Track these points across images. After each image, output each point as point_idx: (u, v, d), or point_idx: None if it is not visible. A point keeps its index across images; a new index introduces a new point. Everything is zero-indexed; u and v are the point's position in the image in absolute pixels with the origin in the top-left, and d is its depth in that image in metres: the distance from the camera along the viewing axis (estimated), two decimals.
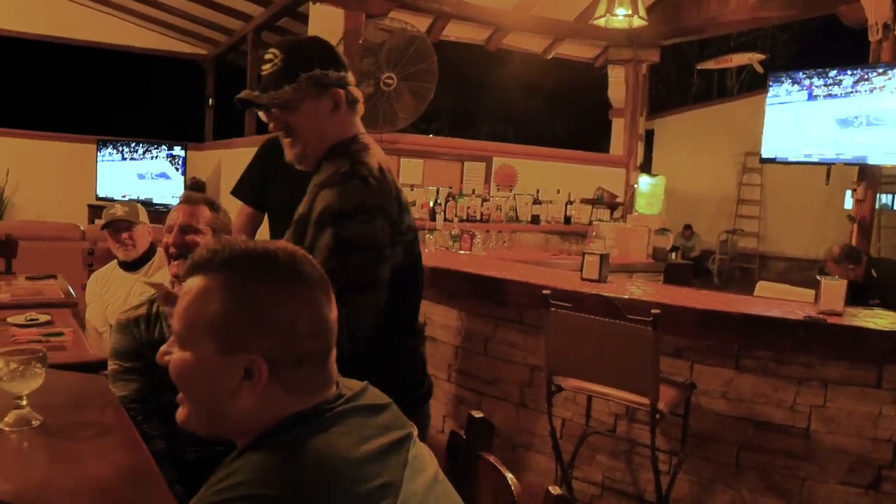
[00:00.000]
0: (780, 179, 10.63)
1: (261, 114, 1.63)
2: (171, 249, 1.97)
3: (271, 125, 1.62)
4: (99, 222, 2.97)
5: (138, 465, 1.43)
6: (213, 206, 2.09)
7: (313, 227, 1.49)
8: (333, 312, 0.92)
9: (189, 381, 0.89)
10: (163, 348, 0.91)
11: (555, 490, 1.00)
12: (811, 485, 2.54)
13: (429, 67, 4.91)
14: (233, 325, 0.85)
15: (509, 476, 1.11)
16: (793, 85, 5.22)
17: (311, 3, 5.54)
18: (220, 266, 0.87)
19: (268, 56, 1.56)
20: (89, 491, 1.31)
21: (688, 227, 11.17)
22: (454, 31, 6.63)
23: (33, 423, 1.57)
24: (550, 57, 7.37)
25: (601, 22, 5.13)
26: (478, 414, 1.23)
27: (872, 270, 4.42)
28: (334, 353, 0.92)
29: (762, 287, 4.49)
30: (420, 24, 6.12)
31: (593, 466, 2.99)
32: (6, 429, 1.55)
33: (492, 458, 1.19)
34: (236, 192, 2.87)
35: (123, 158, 8.42)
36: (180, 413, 0.92)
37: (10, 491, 1.31)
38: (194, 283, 0.88)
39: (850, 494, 2.49)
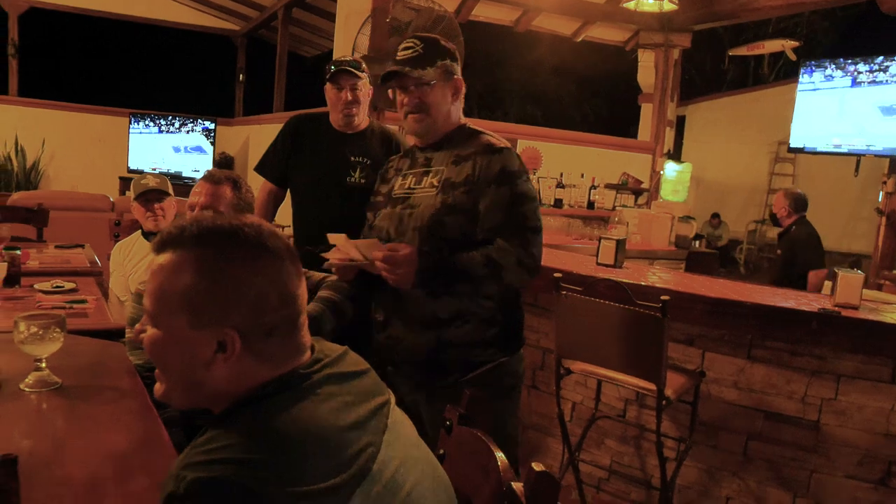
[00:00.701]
0: (812, 170, 10.41)
1: (393, 93, 1.86)
2: None
3: (404, 100, 1.83)
4: (129, 194, 3.03)
5: (149, 429, 1.48)
6: (237, 184, 2.12)
7: (489, 186, 1.75)
8: (302, 284, 0.95)
9: (164, 357, 0.92)
10: (137, 326, 0.95)
11: (538, 466, 1.02)
12: (819, 478, 2.54)
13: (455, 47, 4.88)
14: (204, 299, 0.87)
15: (497, 454, 1.12)
16: (823, 73, 5.11)
17: None
18: (189, 242, 0.89)
19: (408, 44, 1.82)
20: (101, 452, 1.37)
21: (715, 215, 11.02)
22: (483, 12, 6.59)
23: (52, 385, 1.64)
24: (580, 40, 7.28)
25: (631, 5, 5.07)
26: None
27: (794, 227, 4.76)
28: (305, 320, 0.95)
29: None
30: (449, 4, 6.09)
31: (602, 450, 3.01)
32: (26, 389, 1.62)
33: (483, 435, 1.21)
34: (260, 169, 2.91)
35: (161, 131, 8.55)
36: (158, 388, 0.95)
37: (28, 448, 1.38)
38: (164, 259, 0.90)
39: (858, 489, 2.48)
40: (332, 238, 1.83)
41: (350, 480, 0.82)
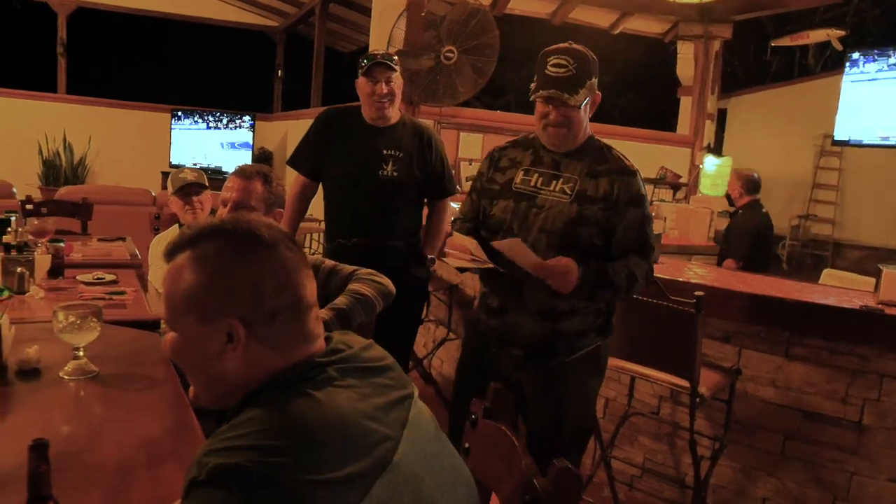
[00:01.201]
0: (860, 164, 10.08)
1: (539, 104, 1.92)
2: None
3: (551, 115, 1.90)
4: (168, 188, 3.09)
5: (181, 419, 1.51)
6: (267, 178, 2.13)
7: (628, 208, 1.89)
8: (303, 271, 0.96)
9: (184, 357, 0.97)
10: (163, 336, 0.98)
11: (560, 462, 1.01)
12: (860, 480, 2.46)
13: (490, 41, 4.87)
14: (204, 295, 0.92)
15: (521, 449, 1.12)
16: (870, 63, 4.95)
17: None
18: (185, 246, 0.95)
19: (561, 60, 1.86)
20: (134, 439, 1.41)
21: None
22: (518, 5, 6.55)
23: (89, 373, 1.69)
24: (617, 32, 7.19)
25: None
26: (498, 385, 1.22)
27: (742, 211, 4.78)
28: (313, 308, 0.96)
29: (828, 275, 4.33)
30: None
31: (635, 447, 2.98)
32: (65, 377, 1.67)
33: (508, 429, 1.21)
34: (292, 162, 2.94)
35: (202, 128, 8.71)
36: (191, 392, 1.00)
37: (65, 434, 1.43)
38: (168, 267, 0.96)
39: None
40: (462, 240, 1.94)
41: (370, 470, 0.83)
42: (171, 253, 0.96)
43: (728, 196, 5.27)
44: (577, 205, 1.88)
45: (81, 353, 1.70)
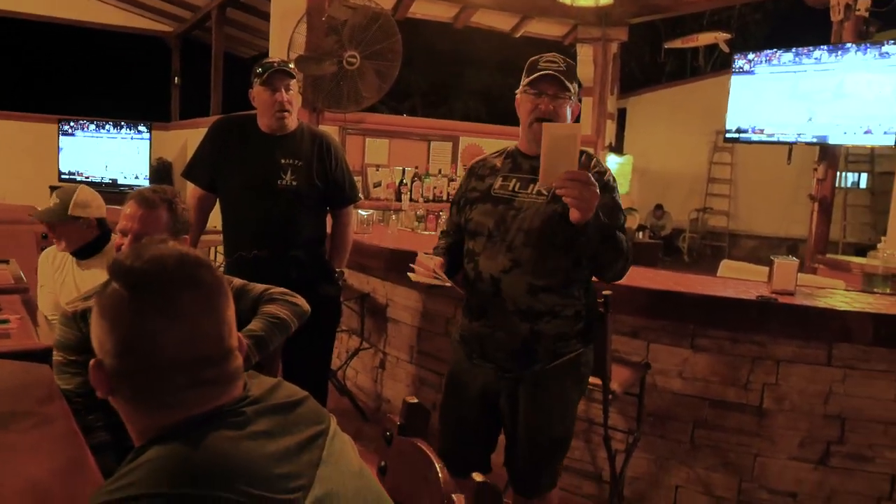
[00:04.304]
0: (749, 158, 10.72)
1: (527, 98, 1.97)
2: None
3: (540, 105, 1.94)
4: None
5: (75, 458, 1.40)
6: (172, 205, 1.98)
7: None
8: (215, 320, 0.89)
9: None
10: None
11: (478, 477, 0.99)
12: (763, 461, 2.59)
13: (392, 46, 4.84)
14: (100, 343, 0.88)
15: (438, 465, 1.10)
16: (753, 64, 5.25)
17: None
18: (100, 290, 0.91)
19: (553, 58, 1.95)
20: (21, 484, 1.29)
21: (659, 206, 11.24)
22: (421, 9, 6.54)
23: None
24: (519, 35, 7.31)
25: (567, 0, 5.10)
26: (412, 399, 1.22)
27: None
28: (230, 360, 0.90)
29: (726, 266, 4.54)
30: (385, 2, 6.03)
31: None
32: None
33: (423, 445, 1.19)
34: (188, 174, 2.82)
35: (101, 137, 8.23)
36: None
37: None
38: None
39: (800, 470, 2.54)
40: (427, 260, 1.97)
41: None
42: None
43: None
44: (554, 203, 1.92)
45: None
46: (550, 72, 1.92)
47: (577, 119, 2.05)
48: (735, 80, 5.43)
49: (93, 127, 8.26)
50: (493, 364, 2.02)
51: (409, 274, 2.00)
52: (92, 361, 0.87)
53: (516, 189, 2.01)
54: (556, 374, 1.98)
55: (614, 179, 2.01)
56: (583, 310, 2.01)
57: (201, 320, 0.86)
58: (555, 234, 1.91)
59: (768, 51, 5.27)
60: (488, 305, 2.00)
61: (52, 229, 2.70)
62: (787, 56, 5.08)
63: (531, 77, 1.95)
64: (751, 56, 5.34)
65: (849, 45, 4.73)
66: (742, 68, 5.37)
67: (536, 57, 1.98)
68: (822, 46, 4.89)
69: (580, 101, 2.04)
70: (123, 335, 0.85)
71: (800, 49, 5.03)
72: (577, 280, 1.99)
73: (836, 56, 4.80)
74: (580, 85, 2.02)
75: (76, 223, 2.69)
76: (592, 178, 1.74)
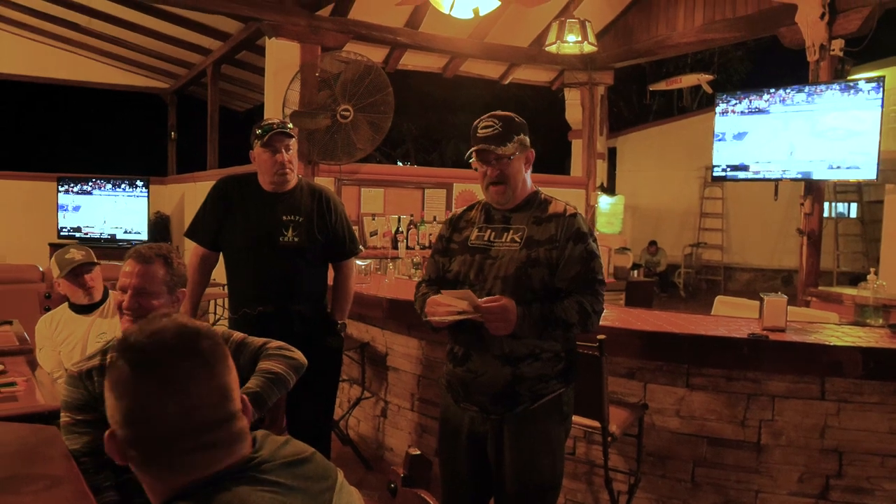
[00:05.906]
0: (740, 192, 10.86)
1: (477, 165, 2.10)
2: (126, 313, 1.95)
3: (488, 172, 2.08)
4: (53, 271, 2.94)
5: None
6: (168, 260, 2.04)
7: (568, 244, 2.03)
8: (215, 387, 0.95)
9: None
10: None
11: (413, 451, 1.05)
12: (764, 497, 2.61)
13: (385, 98, 4.97)
14: (111, 414, 0.95)
15: None
16: (734, 105, 5.40)
17: (267, 38, 5.59)
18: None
19: (488, 122, 2.07)
20: None
21: (653, 242, 11.34)
22: (411, 61, 6.73)
23: None
24: (508, 82, 7.50)
25: (552, 49, 5.26)
26: (414, 451, 1.27)
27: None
28: (234, 422, 0.95)
29: (720, 302, 4.59)
30: (377, 55, 6.20)
31: None
32: None
33: (427, 496, 1.23)
34: (191, 234, 2.88)
35: (90, 194, 8.33)
36: None
37: None
38: None
39: None
40: (453, 294, 2.00)
41: None
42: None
43: None
44: (527, 249, 2.04)
45: None
46: (483, 146, 2.04)
47: (532, 164, 2.18)
48: (719, 121, 5.56)
49: (91, 184, 8.36)
50: (478, 406, 2.08)
51: (430, 319, 2.06)
52: (107, 432, 0.94)
53: (492, 239, 2.12)
54: (539, 415, 2.03)
55: (588, 232, 2.10)
56: (562, 351, 2.08)
57: (201, 389, 0.93)
58: (529, 277, 2.01)
59: (748, 92, 5.42)
60: (472, 350, 2.07)
61: (91, 272, 2.82)
62: (766, 97, 5.23)
63: (472, 149, 2.08)
64: (732, 101, 5.49)
65: (822, 85, 4.88)
66: (724, 111, 5.51)
67: (476, 122, 2.09)
68: (796, 87, 5.05)
69: (532, 148, 2.16)
70: (128, 407, 0.93)
71: (775, 91, 5.18)
72: None
73: (812, 98, 4.95)
74: (527, 132, 2.12)
75: (100, 270, 2.88)
76: (495, 307, 1.89)
